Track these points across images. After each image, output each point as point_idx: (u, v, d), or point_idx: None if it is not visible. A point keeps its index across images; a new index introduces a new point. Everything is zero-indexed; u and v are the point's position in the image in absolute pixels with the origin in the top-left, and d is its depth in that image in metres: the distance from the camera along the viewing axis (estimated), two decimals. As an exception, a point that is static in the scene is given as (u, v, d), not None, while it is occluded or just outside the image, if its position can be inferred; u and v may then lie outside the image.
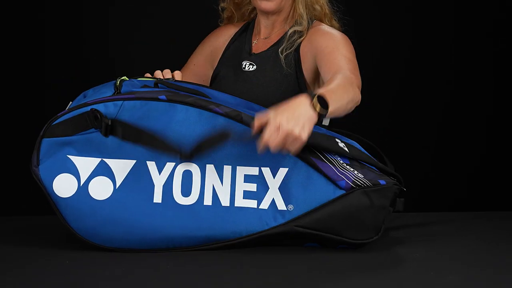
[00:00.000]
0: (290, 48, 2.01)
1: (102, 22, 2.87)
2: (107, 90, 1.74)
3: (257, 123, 1.63)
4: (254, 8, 2.14)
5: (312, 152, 1.68)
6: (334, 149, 1.72)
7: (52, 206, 1.68)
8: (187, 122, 1.68)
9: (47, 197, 1.68)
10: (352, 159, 1.73)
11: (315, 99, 1.63)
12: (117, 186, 1.66)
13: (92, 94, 1.75)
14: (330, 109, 1.66)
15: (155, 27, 2.86)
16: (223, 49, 2.11)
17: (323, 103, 1.64)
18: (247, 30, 2.11)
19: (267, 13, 2.05)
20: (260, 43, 2.09)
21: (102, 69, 2.81)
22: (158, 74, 1.88)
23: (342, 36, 2.01)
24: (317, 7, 2.08)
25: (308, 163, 1.67)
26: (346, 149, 1.74)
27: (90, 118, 1.68)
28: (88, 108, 1.68)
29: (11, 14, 2.82)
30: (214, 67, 2.10)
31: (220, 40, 2.14)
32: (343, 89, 1.76)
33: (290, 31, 2.02)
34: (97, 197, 1.66)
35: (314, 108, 1.63)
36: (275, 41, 2.06)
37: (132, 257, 1.62)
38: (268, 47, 2.06)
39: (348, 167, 1.69)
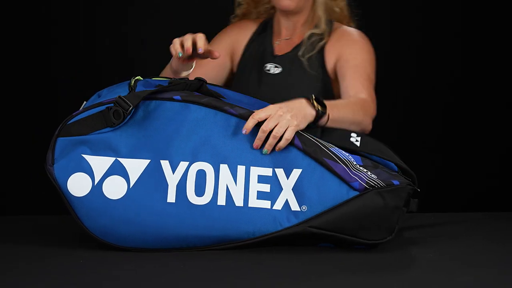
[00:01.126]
0: (312, 51, 2.02)
1: (116, 21, 2.88)
2: (121, 90, 1.75)
3: (253, 118, 1.66)
4: (271, 7, 2.13)
5: (325, 153, 1.68)
6: (344, 144, 1.74)
7: (66, 205, 1.69)
8: (201, 122, 1.69)
9: (61, 196, 1.69)
10: (365, 158, 1.73)
11: (312, 99, 1.71)
12: (131, 186, 1.67)
13: (106, 94, 1.76)
14: (330, 114, 1.74)
15: (169, 25, 2.86)
16: (243, 48, 2.10)
17: (322, 105, 1.72)
18: (266, 30, 2.11)
19: (286, 12, 2.05)
20: (282, 45, 2.09)
21: (115, 68, 2.81)
22: (176, 42, 1.84)
23: (369, 49, 2.04)
24: (337, 10, 2.09)
25: (321, 164, 1.67)
26: (358, 143, 1.75)
27: (106, 114, 1.68)
28: (104, 107, 1.69)
29: (22, 12, 2.82)
30: (234, 61, 2.11)
31: (241, 35, 2.13)
32: (353, 107, 1.85)
33: (308, 33, 2.04)
34: (111, 196, 1.67)
35: (313, 106, 1.70)
36: (298, 43, 2.06)
37: (145, 257, 1.62)
38: (291, 48, 2.06)
39: (361, 168, 1.70)
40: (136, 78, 1.77)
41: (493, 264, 1.55)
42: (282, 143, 1.67)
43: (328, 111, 1.75)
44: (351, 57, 2.01)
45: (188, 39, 1.83)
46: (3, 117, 2.83)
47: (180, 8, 2.88)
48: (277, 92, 1.99)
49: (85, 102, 1.78)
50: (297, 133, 1.70)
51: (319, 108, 1.73)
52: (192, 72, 1.98)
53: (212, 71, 2.10)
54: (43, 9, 2.83)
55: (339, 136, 1.77)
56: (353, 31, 2.09)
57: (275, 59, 2.06)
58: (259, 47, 2.10)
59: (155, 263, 1.57)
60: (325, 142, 1.71)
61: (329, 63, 2.04)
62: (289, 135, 1.67)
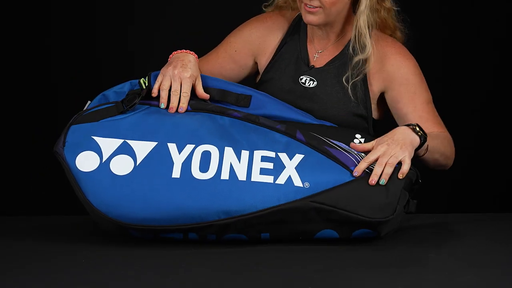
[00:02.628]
0: (357, 77, 1.93)
1: (116, 20, 2.87)
2: (128, 89, 1.84)
3: (365, 162, 1.71)
4: None
5: (327, 143, 1.73)
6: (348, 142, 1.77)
7: (72, 184, 1.70)
8: (207, 118, 1.77)
9: (67, 174, 1.71)
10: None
11: (415, 126, 1.77)
12: (137, 163, 1.70)
13: (114, 96, 1.82)
14: (429, 142, 1.78)
15: (173, 24, 2.86)
16: (273, 50, 2.00)
17: (423, 131, 1.77)
18: (299, 33, 1.99)
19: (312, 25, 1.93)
20: (318, 56, 1.98)
21: (115, 68, 2.81)
22: (164, 88, 1.83)
23: (418, 70, 1.97)
24: (383, 14, 1.95)
25: (323, 152, 1.72)
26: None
27: (119, 105, 1.76)
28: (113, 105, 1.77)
29: (22, 11, 2.82)
30: (259, 61, 2.02)
31: (271, 34, 2.01)
32: (442, 141, 1.88)
33: (355, 60, 1.91)
34: (118, 173, 1.70)
35: (416, 132, 1.76)
36: (334, 56, 1.96)
37: (147, 256, 1.62)
38: (326, 61, 1.97)
39: (362, 154, 1.74)
40: (143, 80, 1.84)
41: (496, 265, 1.55)
42: (402, 175, 1.70)
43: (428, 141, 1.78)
44: (404, 83, 1.94)
45: (175, 93, 1.82)
46: (3, 117, 2.83)
47: (186, 4, 2.87)
48: (311, 106, 1.93)
49: (89, 102, 1.82)
50: (300, 129, 1.75)
51: (422, 134, 1.77)
52: (209, 63, 2.00)
53: (228, 65, 2.03)
54: (43, 8, 2.83)
55: (343, 137, 1.79)
56: (394, 45, 1.97)
57: (311, 71, 1.96)
58: (293, 52, 1.99)
59: (158, 263, 1.57)
60: (327, 138, 1.75)
61: (373, 85, 1.96)
62: (406, 168, 1.71)
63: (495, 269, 1.50)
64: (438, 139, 1.87)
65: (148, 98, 1.81)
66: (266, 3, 2.06)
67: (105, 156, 1.71)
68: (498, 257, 1.62)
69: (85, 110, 1.77)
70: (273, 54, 2.00)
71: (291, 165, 1.70)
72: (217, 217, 1.67)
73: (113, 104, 1.77)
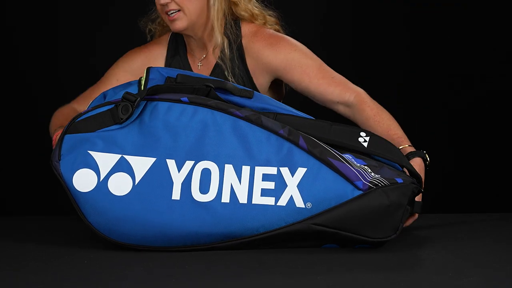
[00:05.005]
0: (235, 67, 2.02)
1: (115, 19, 2.87)
2: (128, 90, 1.77)
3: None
4: None
5: (330, 153, 1.69)
6: (352, 143, 1.75)
7: (71, 201, 1.68)
8: (208, 124, 1.70)
9: (66, 192, 1.68)
10: (369, 159, 1.73)
11: (426, 154, 1.90)
12: (136, 183, 1.66)
13: (112, 95, 1.77)
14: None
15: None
16: None
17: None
18: (179, 52, 2.09)
19: (182, 32, 2.02)
20: (203, 67, 2.07)
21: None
22: None
23: (293, 44, 2.03)
24: (242, 13, 2.06)
25: (326, 164, 1.67)
26: (365, 144, 1.75)
27: (114, 111, 1.69)
28: (112, 106, 1.70)
29: (25, 12, 2.82)
30: None
31: (153, 63, 2.09)
32: (391, 118, 1.98)
33: (218, 60, 2.03)
34: (116, 193, 1.66)
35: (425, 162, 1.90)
36: (215, 63, 2.05)
37: (149, 257, 1.61)
38: (211, 70, 2.05)
39: (365, 167, 1.69)
40: (142, 78, 1.78)
41: (502, 265, 1.54)
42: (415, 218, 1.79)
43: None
44: (291, 66, 2.01)
45: None
46: (3, 117, 2.83)
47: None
48: None
49: (90, 101, 1.79)
50: (302, 135, 1.70)
51: (427, 160, 1.90)
52: (88, 97, 2.07)
53: None
54: (45, 8, 2.83)
55: (348, 136, 1.76)
56: (262, 31, 2.06)
57: None
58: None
59: (159, 264, 1.56)
60: (329, 146, 1.72)
61: (257, 78, 2.04)
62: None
63: (500, 270, 1.49)
64: (392, 121, 1.96)
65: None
66: (140, 18, 2.17)
67: (102, 174, 1.67)
68: (504, 258, 1.61)
69: (80, 114, 1.72)
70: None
71: (293, 183, 1.66)
72: (219, 239, 1.66)
73: (110, 107, 1.70)
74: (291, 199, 1.66)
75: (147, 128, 1.70)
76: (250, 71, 2.05)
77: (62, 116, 2.06)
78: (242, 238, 1.66)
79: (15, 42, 2.83)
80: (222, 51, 2.04)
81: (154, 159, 1.68)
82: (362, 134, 1.77)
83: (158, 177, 1.67)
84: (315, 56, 2.04)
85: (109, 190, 1.66)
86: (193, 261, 1.57)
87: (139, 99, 1.68)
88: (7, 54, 2.83)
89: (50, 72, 2.85)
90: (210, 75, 2.06)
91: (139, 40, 2.75)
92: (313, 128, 1.76)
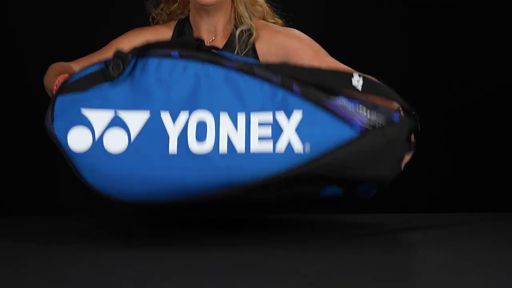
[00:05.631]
0: (245, 49, 2.02)
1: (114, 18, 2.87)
2: None
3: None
4: (183, 9, 2.11)
5: (325, 96, 1.68)
6: (346, 86, 1.72)
7: (67, 162, 1.67)
8: (200, 75, 1.69)
9: (62, 154, 1.66)
10: (363, 101, 1.72)
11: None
12: (132, 140, 1.66)
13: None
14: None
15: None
16: None
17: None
18: (184, 33, 2.08)
19: (207, 8, 2.01)
20: (211, 42, 2.06)
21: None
22: None
23: (303, 36, 2.06)
24: (258, 8, 2.09)
25: (321, 106, 1.67)
26: (359, 88, 1.72)
27: (105, 71, 1.68)
28: (103, 65, 1.69)
29: (22, 10, 2.82)
30: None
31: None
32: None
33: (238, 31, 2.03)
34: (113, 151, 1.65)
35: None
36: (223, 44, 2.04)
37: (149, 257, 1.61)
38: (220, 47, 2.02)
39: (361, 108, 1.69)
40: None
41: (502, 265, 1.54)
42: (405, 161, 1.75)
43: None
44: (300, 52, 2.03)
45: None
46: (3, 117, 2.83)
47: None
48: None
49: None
50: (296, 81, 1.69)
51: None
52: (87, 60, 2.03)
53: None
54: (45, 8, 2.83)
55: (341, 79, 1.73)
56: (276, 25, 2.10)
57: None
58: None
59: (160, 264, 1.56)
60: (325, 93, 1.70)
61: (266, 60, 2.03)
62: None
63: (500, 270, 1.49)
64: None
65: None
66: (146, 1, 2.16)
67: (97, 132, 1.66)
68: (504, 258, 1.61)
69: (71, 76, 1.71)
70: None
71: (290, 127, 1.65)
72: (219, 189, 1.63)
73: (100, 66, 1.70)
74: (289, 144, 1.65)
75: (139, 84, 1.69)
76: (260, 56, 2.05)
77: (60, 67, 2.04)
78: (243, 186, 1.64)
79: (15, 42, 2.82)
80: (233, 34, 2.05)
81: (148, 112, 1.66)
82: (355, 75, 1.74)
83: (154, 132, 1.65)
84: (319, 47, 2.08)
85: (105, 149, 1.65)
86: (193, 261, 1.57)
87: (129, 55, 1.68)
88: (7, 54, 2.82)
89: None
90: None
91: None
92: (306, 74, 1.73)
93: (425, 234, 1.84)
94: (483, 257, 1.62)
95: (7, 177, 2.84)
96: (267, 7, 2.14)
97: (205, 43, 2.03)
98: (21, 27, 2.83)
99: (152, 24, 2.18)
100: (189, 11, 2.13)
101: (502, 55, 2.91)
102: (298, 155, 1.64)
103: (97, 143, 1.65)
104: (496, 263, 1.55)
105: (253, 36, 2.04)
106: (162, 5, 2.16)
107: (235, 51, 2.03)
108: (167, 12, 2.15)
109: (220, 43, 2.07)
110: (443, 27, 2.92)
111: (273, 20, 2.14)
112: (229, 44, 2.05)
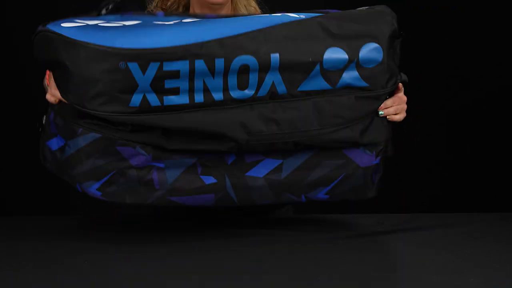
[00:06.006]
0: None
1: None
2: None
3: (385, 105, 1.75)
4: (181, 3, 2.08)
5: None
6: None
7: (56, 43, 1.63)
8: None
9: (59, 46, 1.62)
10: None
11: None
12: (125, 25, 1.65)
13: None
14: None
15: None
16: None
17: None
18: None
19: (213, 7, 2.01)
20: None
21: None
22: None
23: None
24: (251, 8, 2.08)
25: None
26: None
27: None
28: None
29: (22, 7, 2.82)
30: None
31: None
32: None
33: None
34: (106, 26, 1.64)
35: None
36: None
37: (149, 256, 1.62)
38: None
39: None
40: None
41: (502, 265, 1.54)
42: (394, 118, 1.77)
43: None
44: None
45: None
46: (3, 117, 2.83)
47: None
48: None
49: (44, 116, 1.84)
50: None
51: None
52: None
53: None
54: (45, 8, 2.83)
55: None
56: None
57: None
58: None
59: (160, 264, 1.56)
60: None
61: None
62: (396, 119, 1.78)
63: (500, 270, 1.49)
64: None
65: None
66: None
67: (89, 22, 1.66)
68: (504, 258, 1.61)
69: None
70: None
71: None
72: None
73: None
74: None
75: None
76: None
77: None
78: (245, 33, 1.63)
79: (15, 42, 2.82)
80: None
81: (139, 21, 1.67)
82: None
83: (147, 21, 1.66)
84: None
85: (98, 25, 1.64)
86: (193, 260, 1.58)
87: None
88: (7, 54, 2.82)
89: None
90: None
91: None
92: None
93: (425, 234, 1.84)
94: (483, 257, 1.62)
95: (7, 177, 2.84)
96: (258, 9, 2.11)
97: None
98: (21, 27, 2.83)
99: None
100: (184, 6, 2.12)
101: (501, 56, 2.92)
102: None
103: (91, 25, 1.65)
104: (496, 263, 1.55)
105: None
106: (157, 0, 2.16)
107: None
108: (163, 7, 2.14)
109: None
110: (442, 27, 2.92)
111: None
112: None
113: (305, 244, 1.71)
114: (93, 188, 1.65)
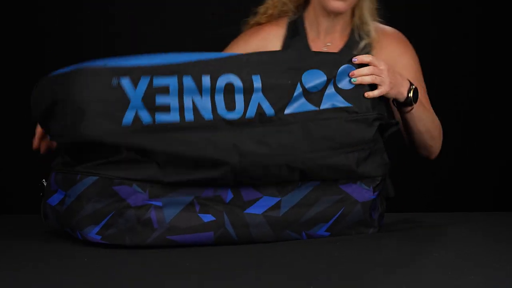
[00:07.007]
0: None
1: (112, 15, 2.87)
2: None
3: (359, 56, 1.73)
4: (295, 8, 2.05)
5: None
6: None
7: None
8: None
9: None
10: None
11: (412, 85, 1.80)
12: None
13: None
14: (415, 108, 1.81)
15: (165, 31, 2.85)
16: None
17: (415, 95, 1.79)
18: (299, 33, 2.04)
19: (335, 14, 1.98)
20: (326, 49, 2.01)
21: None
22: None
23: (416, 56, 2.03)
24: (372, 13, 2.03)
25: None
26: None
27: None
28: None
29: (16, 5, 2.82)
30: None
31: (269, 41, 2.04)
32: (434, 120, 1.93)
33: (362, 44, 1.99)
34: None
35: (409, 90, 1.79)
36: (341, 48, 2.01)
37: (149, 256, 1.62)
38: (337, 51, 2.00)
39: None
40: None
41: (502, 265, 1.54)
42: (370, 94, 1.72)
43: (416, 105, 1.81)
44: (408, 64, 2.00)
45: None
46: (3, 117, 2.83)
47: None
48: None
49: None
50: None
51: (411, 96, 1.79)
52: None
53: None
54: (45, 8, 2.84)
55: None
56: (395, 33, 2.04)
57: None
58: None
59: (160, 263, 1.57)
60: None
61: None
62: (376, 94, 1.73)
63: (500, 270, 1.49)
64: (429, 113, 1.91)
65: None
66: (246, 19, 2.08)
67: None
68: (504, 258, 1.61)
69: None
70: None
71: None
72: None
73: None
74: None
75: None
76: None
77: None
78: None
79: (15, 42, 2.83)
80: (352, 38, 2.01)
81: None
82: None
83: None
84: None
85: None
86: (193, 260, 1.58)
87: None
88: (7, 54, 2.83)
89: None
90: None
91: (140, 40, 2.76)
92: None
93: (425, 234, 1.84)
94: (483, 257, 1.61)
95: (7, 177, 2.84)
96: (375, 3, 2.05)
97: (322, 46, 2.02)
98: (21, 27, 2.83)
99: (261, 14, 2.09)
100: (296, 6, 2.07)
101: (501, 56, 2.92)
102: None
103: None
104: (496, 263, 1.55)
105: (372, 52, 1.99)
106: (266, 15, 2.09)
107: None
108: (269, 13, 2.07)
109: (337, 45, 2.02)
110: (442, 27, 2.92)
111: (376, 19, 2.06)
112: (348, 48, 2.01)
113: (305, 244, 1.71)
114: (93, 233, 1.68)
